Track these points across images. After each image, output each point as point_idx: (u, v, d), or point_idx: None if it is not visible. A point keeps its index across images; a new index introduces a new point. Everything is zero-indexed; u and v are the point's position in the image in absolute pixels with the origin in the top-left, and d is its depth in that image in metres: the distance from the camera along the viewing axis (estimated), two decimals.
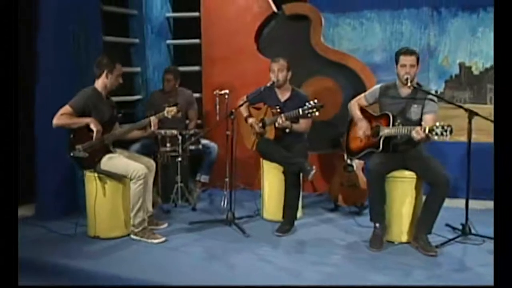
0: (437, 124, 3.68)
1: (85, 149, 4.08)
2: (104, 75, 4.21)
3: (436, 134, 3.65)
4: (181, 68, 5.95)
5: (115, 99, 5.51)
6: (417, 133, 3.78)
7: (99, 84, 4.24)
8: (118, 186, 4.24)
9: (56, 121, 4.05)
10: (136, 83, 5.94)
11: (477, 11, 5.36)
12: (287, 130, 4.51)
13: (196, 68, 6.02)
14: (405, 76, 4.02)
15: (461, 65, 5.47)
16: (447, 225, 4.40)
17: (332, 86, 5.56)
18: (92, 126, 4.07)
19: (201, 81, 6.00)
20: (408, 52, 4.09)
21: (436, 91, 5.46)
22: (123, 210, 4.26)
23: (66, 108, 4.07)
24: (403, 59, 4.07)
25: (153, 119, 4.30)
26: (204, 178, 5.44)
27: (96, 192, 4.19)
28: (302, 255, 3.89)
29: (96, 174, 4.19)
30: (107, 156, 4.17)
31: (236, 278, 3.46)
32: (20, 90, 3.27)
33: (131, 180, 4.12)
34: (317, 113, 4.29)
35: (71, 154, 4.10)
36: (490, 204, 4.97)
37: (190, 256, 3.87)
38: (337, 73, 5.56)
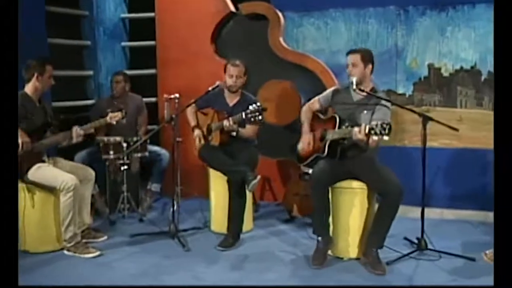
0: (377, 123, 3.38)
1: None
2: (34, 78, 3.95)
3: (376, 133, 3.36)
4: (137, 72, 5.67)
5: (67, 103, 5.30)
6: (355, 134, 3.48)
7: (29, 88, 3.98)
8: (49, 197, 3.97)
9: None
10: (89, 87, 5.66)
11: (446, 10, 5.03)
12: (233, 134, 4.23)
13: (152, 71, 5.72)
14: (350, 77, 3.75)
15: (430, 67, 5.15)
16: (405, 238, 4.11)
17: (290, 90, 5.23)
18: (18, 140, 3.78)
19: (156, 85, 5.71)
20: (351, 51, 3.85)
21: (405, 94, 5.19)
22: (55, 223, 3.99)
23: None
24: (347, 60, 3.83)
25: (76, 129, 4.00)
26: (155, 186, 5.12)
27: (25, 204, 3.93)
28: (239, 272, 3.62)
29: (24, 185, 3.93)
30: (36, 165, 3.91)
31: None
32: None
33: (60, 192, 3.85)
34: (260, 117, 3.99)
35: None
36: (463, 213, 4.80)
37: (120, 272, 3.64)
38: (296, 75, 5.24)
